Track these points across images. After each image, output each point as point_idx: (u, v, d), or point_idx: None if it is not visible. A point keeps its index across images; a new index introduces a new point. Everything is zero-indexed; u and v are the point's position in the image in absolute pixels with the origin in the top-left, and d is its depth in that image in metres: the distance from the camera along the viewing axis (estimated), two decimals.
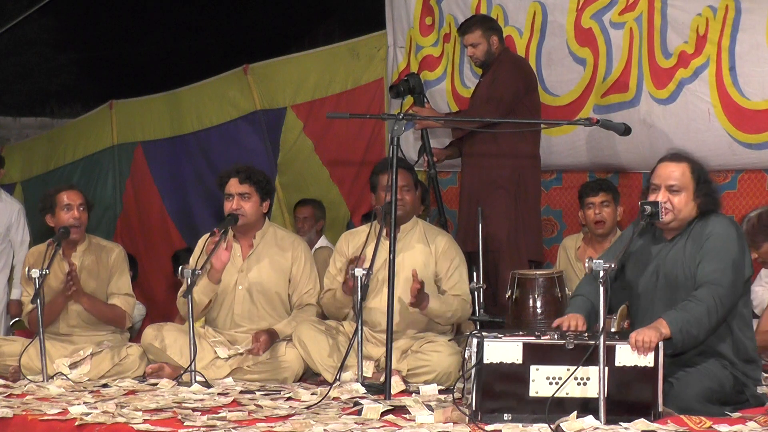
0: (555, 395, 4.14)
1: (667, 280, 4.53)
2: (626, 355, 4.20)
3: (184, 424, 4.42)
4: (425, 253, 5.63)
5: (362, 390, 5.02)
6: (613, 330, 4.87)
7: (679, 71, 6.40)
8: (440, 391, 5.10)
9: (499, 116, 6.22)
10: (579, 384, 4.18)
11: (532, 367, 4.20)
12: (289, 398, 5.04)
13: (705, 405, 4.30)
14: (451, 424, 4.27)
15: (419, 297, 5.35)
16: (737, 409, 4.39)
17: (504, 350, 4.21)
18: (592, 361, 4.14)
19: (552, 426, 4.08)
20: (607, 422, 4.09)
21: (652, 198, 4.52)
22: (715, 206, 4.60)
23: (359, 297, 5.16)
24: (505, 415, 4.21)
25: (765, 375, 4.83)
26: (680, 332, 4.28)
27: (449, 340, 5.51)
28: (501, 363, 4.21)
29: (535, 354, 4.21)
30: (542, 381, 4.20)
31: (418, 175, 5.88)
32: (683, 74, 6.39)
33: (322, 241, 7.84)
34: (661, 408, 4.20)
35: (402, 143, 5.87)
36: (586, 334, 4.35)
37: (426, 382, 5.26)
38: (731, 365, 4.48)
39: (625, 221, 6.48)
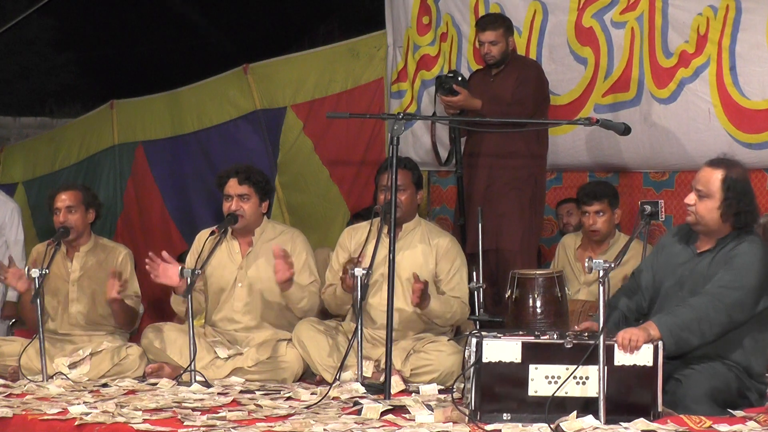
0: (554, 395, 4.14)
1: (691, 295, 4.45)
2: (625, 355, 4.19)
3: (184, 423, 4.42)
4: (425, 253, 5.62)
5: (362, 390, 5.02)
6: None
7: (679, 71, 6.40)
8: (440, 391, 5.09)
9: (524, 118, 6.21)
10: (578, 383, 4.18)
11: (531, 367, 4.21)
12: (289, 398, 5.04)
13: (711, 406, 4.28)
14: (451, 423, 4.27)
15: (422, 296, 5.34)
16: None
17: (503, 349, 4.22)
18: (591, 360, 4.14)
19: (552, 426, 4.08)
20: (607, 422, 4.09)
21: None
22: (749, 226, 4.47)
23: (359, 297, 5.16)
24: (505, 414, 4.21)
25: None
26: (670, 335, 4.26)
27: (448, 340, 5.50)
28: (500, 362, 4.21)
29: (534, 353, 4.22)
30: (541, 380, 4.20)
31: (420, 175, 5.80)
32: (684, 74, 6.39)
33: None
34: (660, 408, 4.20)
35: (402, 143, 5.85)
36: (585, 334, 4.36)
37: (430, 381, 5.25)
38: (737, 369, 4.46)
39: (624, 223, 6.47)
